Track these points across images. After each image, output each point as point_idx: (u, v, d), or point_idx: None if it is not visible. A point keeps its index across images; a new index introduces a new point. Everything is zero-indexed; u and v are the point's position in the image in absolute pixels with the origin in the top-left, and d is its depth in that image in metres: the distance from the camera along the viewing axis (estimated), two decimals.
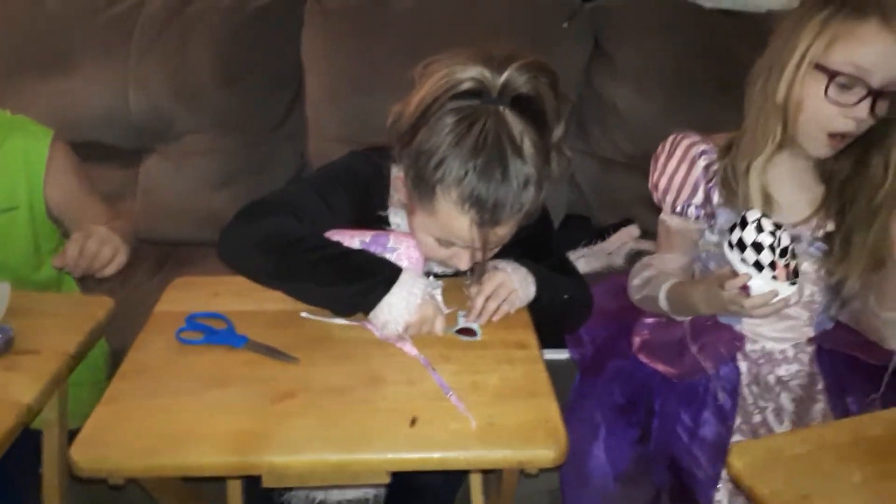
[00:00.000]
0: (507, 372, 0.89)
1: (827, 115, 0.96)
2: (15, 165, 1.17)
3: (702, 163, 1.08)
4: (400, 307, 0.92)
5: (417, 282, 0.94)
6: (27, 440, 0.88)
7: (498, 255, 1.03)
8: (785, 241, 0.92)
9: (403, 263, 0.99)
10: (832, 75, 0.94)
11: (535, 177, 0.90)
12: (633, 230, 1.66)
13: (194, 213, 1.70)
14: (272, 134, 1.73)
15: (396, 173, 1.03)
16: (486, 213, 0.90)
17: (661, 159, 1.13)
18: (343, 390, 0.86)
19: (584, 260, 1.63)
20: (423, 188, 0.93)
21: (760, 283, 0.93)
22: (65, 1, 1.69)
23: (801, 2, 0.99)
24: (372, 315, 0.93)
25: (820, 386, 1.03)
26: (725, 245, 0.95)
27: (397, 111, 0.95)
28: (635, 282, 1.17)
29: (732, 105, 1.61)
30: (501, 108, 0.89)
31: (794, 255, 0.93)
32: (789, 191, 1.05)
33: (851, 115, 0.95)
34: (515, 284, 0.99)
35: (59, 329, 0.96)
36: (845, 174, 1.02)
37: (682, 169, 1.10)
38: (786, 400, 1.02)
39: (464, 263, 1.00)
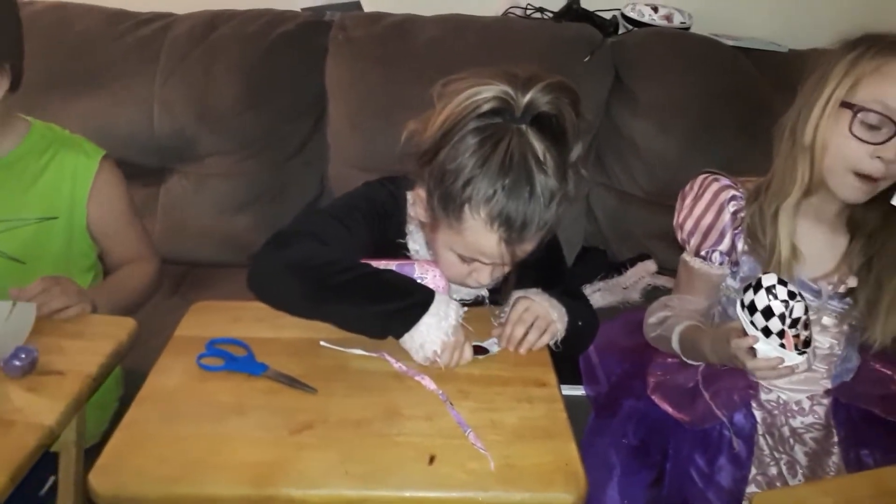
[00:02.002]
0: (525, 411, 0.89)
1: (853, 153, 0.95)
2: (61, 178, 1.21)
3: (730, 208, 1.07)
4: (437, 328, 0.93)
5: (451, 304, 0.95)
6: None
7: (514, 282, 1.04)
8: (797, 312, 0.89)
9: None
10: (857, 111, 0.93)
11: (559, 193, 0.91)
12: (649, 265, 1.66)
13: (213, 235, 1.72)
14: (293, 159, 1.75)
15: (412, 199, 1.04)
16: (514, 230, 0.91)
17: (689, 199, 1.12)
18: (360, 423, 0.86)
19: (600, 294, 1.63)
20: (451, 207, 0.93)
21: (767, 349, 0.91)
22: (93, 22, 1.72)
23: (834, 44, 1.00)
24: (408, 336, 0.93)
25: (835, 439, 1.01)
26: (738, 303, 0.94)
27: (413, 129, 0.96)
28: (651, 320, 1.16)
29: (752, 144, 1.62)
30: (524, 126, 0.90)
31: (806, 326, 0.91)
32: (815, 240, 1.04)
33: (879, 155, 0.94)
34: (545, 311, 1.00)
35: (82, 350, 0.96)
36: (873, 225, 1.01)
37: (710, 213, 1.09)
38: (799, 453, 1.01)
39: (484, 278, 1.01)
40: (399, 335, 0.94)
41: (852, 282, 1.01)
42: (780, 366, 0.90)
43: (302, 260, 0.96)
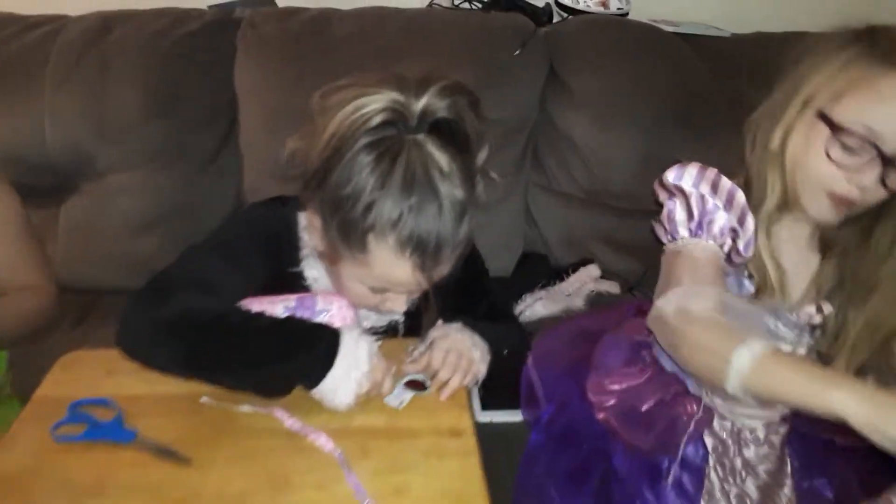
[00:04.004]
0: (435, 468, 0.78)
1: (827, 173, 0.83)
2: None
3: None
4: (348, 378, 0.82)
5: (361, 344, 0.84)
6: None
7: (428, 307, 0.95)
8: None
9: (336, 325, 0.88)
10: (837, 131, 0.80)
11: (469, 204, 0.83)
12: (592, 270, 1.56)
13: (122, 258, 1.56)
14: (205, 171, 1.59)
15: (305, 221, 0.92)
16: (428, 254, 0.82)
17: (696, 188, 0.90)
18: (241, 497, 0.73)
19: (542, 303, 1.52)
20: (352, 237, 0.83)
21: None
22: None
23: (830, 30, 0.85)
24: (317, 391, 0.82)
25: (788, 469, 0.92)
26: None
27: (294, 148, 0.85)
28: (706, 305, 0.83)
29: (694, 136, 1.53)
30: (422, 136, 0.80)
31: None
32: (790, 260, 0.92)
33: (855, 182, 0.82)
34: (467, 351, 0.90)
35: None
36: (846, 243, 0.90)
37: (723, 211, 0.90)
38: (751, 486, 0.91)
39: (399, 305, 0.91)
40: (308, 389, 0.83)
41: (827, 308, 0.86)
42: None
43: (183, 318, 0.82)
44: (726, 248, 0.90)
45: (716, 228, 0.89)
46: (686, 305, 0.83)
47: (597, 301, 1.52)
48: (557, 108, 1.58)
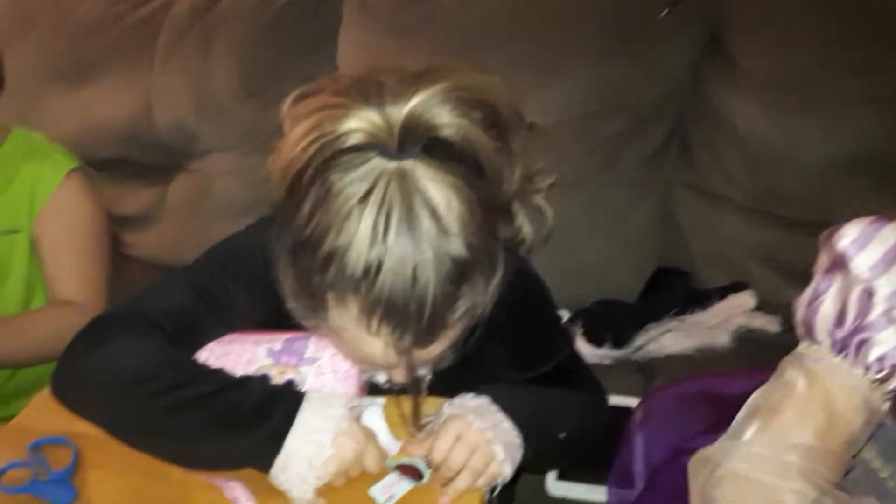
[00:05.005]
0: None
1: None
2: (22, 189, 1.08)
3: None
4: (301, 464, 0.63)
5: (328, 413, 0.65)
6: None
7: (471, 362, 0.72)
8: None
9: (327, 378, 0.71)
10: None
11: (477, 259, 0.61)
12: (746, 299, 1.22)
13: None
14: None
15: None
16: (406, 329, 0.60)
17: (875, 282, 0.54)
18: None
19: (673, 335, 1.21)
20: (310, 296, 0.64)
21: None
22: (93, 6, 1.54)
23: None
24: (272, 476, 0.65)
25: None
26: None
27: (270, 169, 0.65)
28: None
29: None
30: (411, 161, 0.59)
31: None
32: None
33: None
34: (484, 445, 0.66)
35: None
36: None
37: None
38: None
39: (400, 377, 0.70)
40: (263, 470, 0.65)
41: None
42: None
43: (110, 369, 0.68)
44: (890, 388, 0.55)
45: (875, 354, 0.54)
46: (760, 476, 0.52)
47: (748, 339, 1.19)
48: (717, 87, 1.25)
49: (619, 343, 1.21)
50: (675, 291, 1.28)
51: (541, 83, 1.24)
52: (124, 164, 1.55)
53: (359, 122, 0.58)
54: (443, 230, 0.58)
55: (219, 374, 0.69)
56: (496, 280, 0.63)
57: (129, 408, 0.67)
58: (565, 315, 1.25)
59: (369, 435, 0.68)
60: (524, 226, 0.66)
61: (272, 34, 1.44)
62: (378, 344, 0.62)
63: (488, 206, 0.61)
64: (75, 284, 1.09)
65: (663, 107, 1.26)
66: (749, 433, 0.54)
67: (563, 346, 0.83)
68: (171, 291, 0.75)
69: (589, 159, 1.26)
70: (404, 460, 0.69)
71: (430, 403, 0.73)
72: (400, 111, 0.58)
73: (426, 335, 0.61)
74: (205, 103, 1.46)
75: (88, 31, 1.52)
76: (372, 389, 0.76)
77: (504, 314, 0.73)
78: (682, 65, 1.25)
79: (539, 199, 0.66)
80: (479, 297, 0.62)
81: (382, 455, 0.67)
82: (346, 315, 0.61)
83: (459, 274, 0.59)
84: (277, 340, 0.74)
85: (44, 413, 0.78)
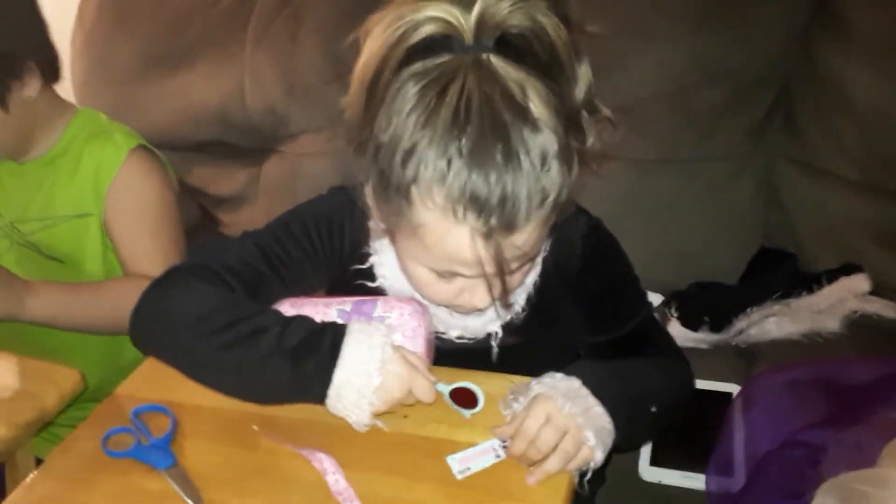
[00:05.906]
0: None
1: None
2: (87, 172, 1.10)
3: None
4: (353, 394, 0.67)
5: (371, 340, 0.67)
6: None
7: (544, 317, 0.75)
8: None
9: (396, 337, 0.72)
10: None
11: (556, 146, 0.61)
12: (859, 282, 1.14)
13: None
14: None
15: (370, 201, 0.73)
16: (491, 214, 0.61)
17: None
18: None
19: (777, 320, 1.14)
20: (393, 198, 0.64)
21: None
22: None
23: None
24: (329, 406, 0.69)
25: None
26: None
27: (344, 103, 0.68)
28: None
29: None
30: (485, 56, 0.61)
31: None
32: None
33: None
34: (574, 428, 0.64)
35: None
36: None
37: None
38: None
39: (480, 299, 0.70)
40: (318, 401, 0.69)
41: None
42: None
43: (175, 311, 0.73)
44: None
45: None
46: None
47: (860, 325, 1.10)
48: (827, 52, 1.17)
49: (716, 327, 1.15)
50: (780, 274, 1.21)
51: (635, 50, 1.19)
52: (220, 146, 1.60)
53: (437, 11, 0.60)
54: (521, 115, 0.59)
55: (271, 314, 0.72)
56: (573, 176, 0.63)
57: (191, 344, 0.71)
58: (657, 299, 1.20)
59: (416, 362, 0.69)
60: (585, 134, 0.65)
61: (358, 17, 1.44)
62: (464, 234, 0.62)
63: (560, 101, 0.62)
64: (150, 261, 1.09)
65: (766, 74, 1.19)
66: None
67: (641, 307, 0.80)
68: (240, 251, 0.78)
69: (686, 132, 1.20)
70: (459, 383, 0.70)
71: (512, 380, 0.72)
72: (474, 6, 0.60)
73: (514, 222, 0.61)
74: (294, 86, 1.49)
75: (183, 18, 1.57)
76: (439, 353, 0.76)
77: (578, 269, 0.75)
78: (787, 27, 1.18)
79: (604, 109, 0.66)
80: (560, 187, 0.62)
81: (431, 381, 0.68)
82: (431, 207, 0.62)
83: (540, 157, 0.60)
84: (347, 302, 0.76)
85: (145, 383, 0.82)
